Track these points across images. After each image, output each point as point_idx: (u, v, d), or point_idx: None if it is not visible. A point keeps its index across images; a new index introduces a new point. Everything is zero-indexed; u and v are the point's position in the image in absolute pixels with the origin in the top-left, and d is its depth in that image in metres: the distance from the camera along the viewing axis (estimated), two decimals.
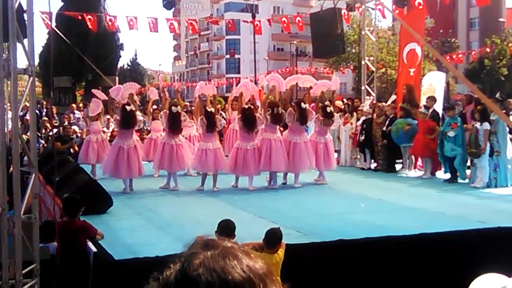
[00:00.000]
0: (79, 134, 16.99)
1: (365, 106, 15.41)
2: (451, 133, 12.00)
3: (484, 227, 7.80)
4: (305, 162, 11.87)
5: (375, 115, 14.29)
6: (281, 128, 12.56)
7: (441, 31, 50.01)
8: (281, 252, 5.86)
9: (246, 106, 11.72)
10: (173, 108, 11.76)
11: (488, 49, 42.60)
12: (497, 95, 14.56)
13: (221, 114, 12.23)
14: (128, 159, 11.31)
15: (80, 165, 12.16)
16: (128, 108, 11.46)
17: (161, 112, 12.18)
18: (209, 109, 11.56)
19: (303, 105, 11.97)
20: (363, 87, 18.43)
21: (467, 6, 62.73)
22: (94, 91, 14.47)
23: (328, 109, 12.25)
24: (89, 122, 13.85)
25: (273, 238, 5.91)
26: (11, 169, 6.05)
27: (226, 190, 11.46)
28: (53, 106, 22.86)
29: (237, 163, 11.52)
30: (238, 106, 12.19)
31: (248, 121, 11.49)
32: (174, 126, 11.75)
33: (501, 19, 49.65)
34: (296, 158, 11.80)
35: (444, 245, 7.24)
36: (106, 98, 13.46)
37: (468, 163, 12.30)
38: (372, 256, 6.91)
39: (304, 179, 12.26)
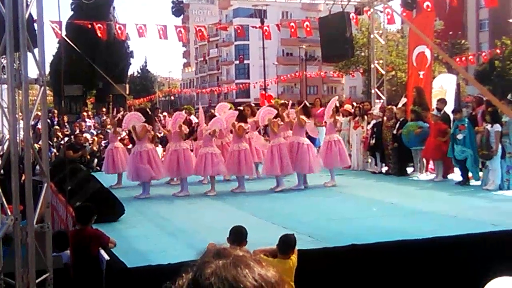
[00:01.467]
0: (90, 141, 17.03)
1: (376, 109, 15.37)
2: (459, 136, 11.94)
3: (497, 230, 7.74)
4: (314, 163, 12.14)
5: (385, 118, 14.24)
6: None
7: (450, 33, 49.81)
8: (294, 258, 5.85)
9: (241, 108, 12.57)
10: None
11: (498, 51, 42.37)
12: (509, 96, 14.51)
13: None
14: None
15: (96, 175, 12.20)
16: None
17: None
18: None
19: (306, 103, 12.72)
20: (373, 91, 18.41)
21: (476, 8, 62.49)
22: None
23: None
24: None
25: (287, 244, 5.89)
26: (23, 178, 6.08)
27: (237, 196, 11.47)
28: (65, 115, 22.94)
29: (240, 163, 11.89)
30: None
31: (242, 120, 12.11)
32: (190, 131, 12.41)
33: (511, 20, 49.30)
34: (305, 158, 12.05)
35: (457, 248, 7.21)
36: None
37: (480, 166, 12.23)
38: (384, 260, 6.88)
39: (314, 182, 12.29)
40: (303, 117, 12.00)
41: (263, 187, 12.16)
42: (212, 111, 14.06)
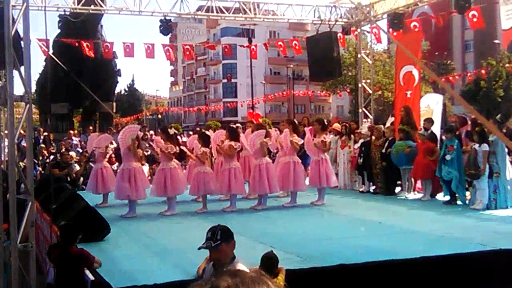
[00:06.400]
0: (76, 159, 16.91)
1: (364, 128, 15.41)
2: (447, 157, 11.97)
3: (485, 250, 7.72)
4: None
5: (374, 137, 14.26)
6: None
7: (436, 53, 50.28)
8: (281, 277, 5.78)
9: (235, 126, 12.57)
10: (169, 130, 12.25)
11: (483, 71, 42.71)
12: (498, 116, 14.59)
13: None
14: None
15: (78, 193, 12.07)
16: None
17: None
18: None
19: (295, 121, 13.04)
20: (360, 110, 18.47)
21: (462, 28, 63.12)
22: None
23: (325, 121, 13.28)
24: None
25: (269, 263, 5.83)
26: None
27: (225, 215, 11.39)
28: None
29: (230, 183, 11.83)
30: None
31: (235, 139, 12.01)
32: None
33: (496, 41, 49.82)
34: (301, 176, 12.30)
35: (445, 268, 7.17)
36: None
37: (467, 185, 12.24)
38: (373, 280, 6.83)
39: (302, 201, 12.28)
40: (295, 138, 12.05)
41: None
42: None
